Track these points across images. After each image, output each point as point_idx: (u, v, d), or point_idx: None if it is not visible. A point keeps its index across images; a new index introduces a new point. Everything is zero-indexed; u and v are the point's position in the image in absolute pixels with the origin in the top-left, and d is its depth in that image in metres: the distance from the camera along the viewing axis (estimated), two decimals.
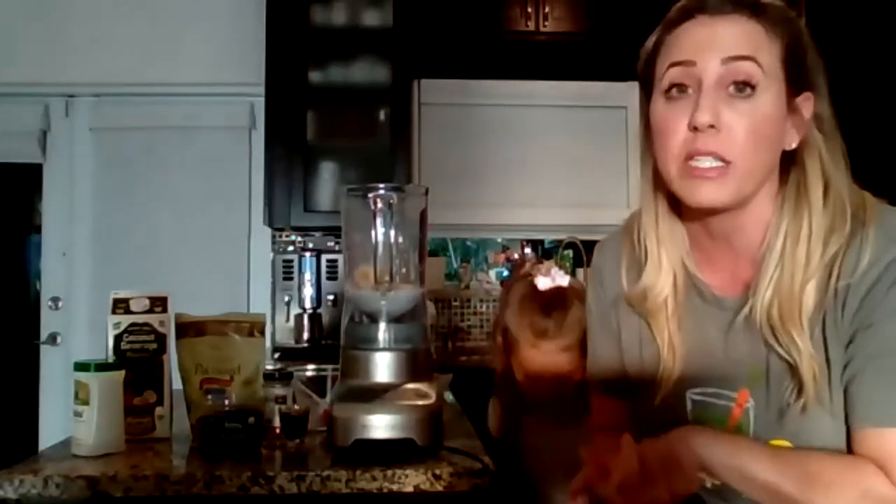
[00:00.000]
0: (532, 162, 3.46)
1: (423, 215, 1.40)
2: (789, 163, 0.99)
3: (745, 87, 0.92)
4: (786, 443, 0.95)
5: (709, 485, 1.04)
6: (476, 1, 3.41)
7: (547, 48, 3.46)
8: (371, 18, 3.26)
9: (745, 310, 0.99)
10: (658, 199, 1.05)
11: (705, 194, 0.94)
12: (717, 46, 0.93)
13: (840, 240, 0.94)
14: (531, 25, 3.40)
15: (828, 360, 0.94)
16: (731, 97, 0.92)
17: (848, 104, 1.07)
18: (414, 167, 3.31)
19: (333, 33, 3.25)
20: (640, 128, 1.05)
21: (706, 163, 0.92)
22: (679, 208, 1.05)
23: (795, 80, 0.95)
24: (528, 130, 3.48)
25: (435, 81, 3.43)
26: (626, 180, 3.34)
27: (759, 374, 0.98)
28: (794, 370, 0.94)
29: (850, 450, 0.92)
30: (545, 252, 3.81)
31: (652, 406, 1.06)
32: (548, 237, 3.76)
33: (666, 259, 1.05)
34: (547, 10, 3.39)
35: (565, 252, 3.67)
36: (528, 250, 3.81)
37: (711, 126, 0.91)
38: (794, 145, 0.97)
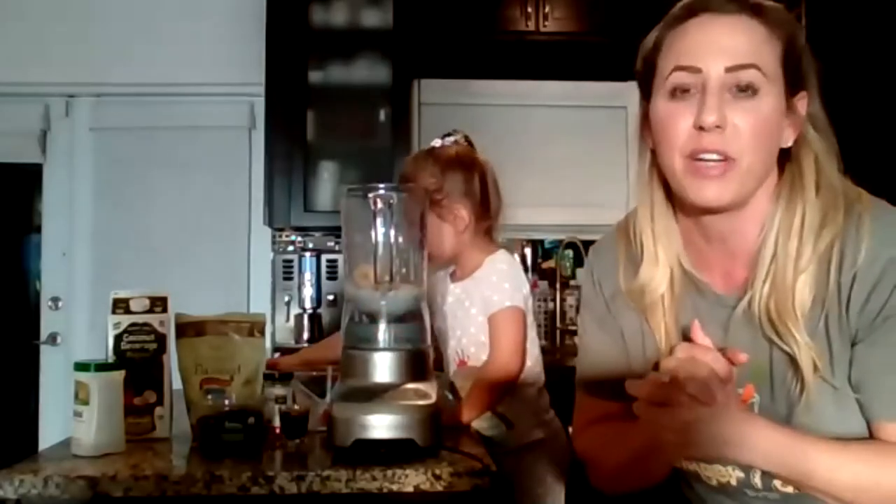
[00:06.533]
0: (532, 162, 3.46)
1: (423, 215, 1.40)
2: (784, 160, 1.01)
3: (747, 89, 0.94)
4: None
5: (714, 483, 1.04)
6: (476, 1, 3.41)
7: (547, 48, 3.46)
8: (371, 18, 3.25)
9: (744, 303, 1.00)
10: (655, 195, 1.06)
11: (709, 193, 0.95)
12: (721, 52, 0.94)
13: (832, 231, 0.95)
14: (531, 25, 3.39)
15: (831, 353, 0.94)
16: (734, 98, 0.94)
17: (847, 104, 1.08)
18: None
19: (333, 33, 3.24)
20: (638, 124, 1.06)
21: (711, 157, 0.94)
22: (674, 206, 1.06)
23: (793, 81, 0.97)
24: (527, 130, 3.47)
25: (435, 81, 3.42)
26: (626, 180, 3.33)
27: (763, 370, 0.99)
28: (796, 364, 0.95)
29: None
30: (545, 252, 3.81)
31: None
32: (548, 237, 3.76)
33: (662, 254, 1.05)
34: (547, 10, 3.38)
35: (565, 252, 3.68)
36: (527, 250, 3.81)
37: (717, 126, 0.93)
38: (790, 143, 0.99)
